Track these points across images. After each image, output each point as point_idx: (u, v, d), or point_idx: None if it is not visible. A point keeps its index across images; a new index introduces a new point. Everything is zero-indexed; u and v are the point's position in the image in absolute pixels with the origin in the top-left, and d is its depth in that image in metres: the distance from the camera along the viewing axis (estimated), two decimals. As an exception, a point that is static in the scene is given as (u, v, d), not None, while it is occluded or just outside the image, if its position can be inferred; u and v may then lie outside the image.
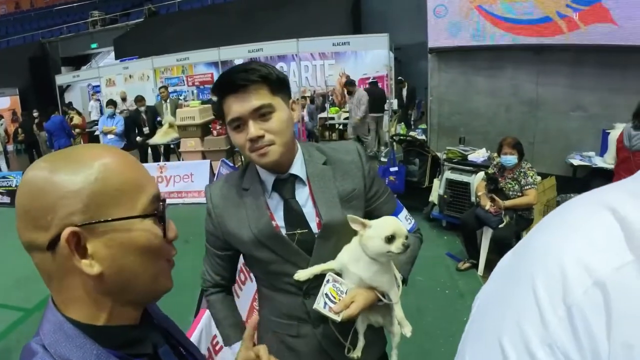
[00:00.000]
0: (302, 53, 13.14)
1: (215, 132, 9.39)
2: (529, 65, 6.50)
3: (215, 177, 7.89)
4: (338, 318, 1.40)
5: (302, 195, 1.53)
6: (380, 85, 12.01)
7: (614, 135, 5.34)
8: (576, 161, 5.83)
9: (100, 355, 0.75)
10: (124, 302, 0.81)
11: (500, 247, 4.66)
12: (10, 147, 15.88)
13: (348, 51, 12.79)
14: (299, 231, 1.50)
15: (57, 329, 0.76)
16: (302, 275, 1.47)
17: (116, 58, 18.56)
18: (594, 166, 5.65)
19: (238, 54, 13.85)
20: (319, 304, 1.41)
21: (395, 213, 1.64)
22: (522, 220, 4.68)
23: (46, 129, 11.09)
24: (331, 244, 1.50)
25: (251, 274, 4.14)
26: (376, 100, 10.86)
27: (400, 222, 1.47)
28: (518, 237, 4.87)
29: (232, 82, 1.39)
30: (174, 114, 10.02)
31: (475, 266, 4.97)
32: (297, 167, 1.52)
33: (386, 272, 1.47)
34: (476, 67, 7.06)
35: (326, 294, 1.43)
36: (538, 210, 4.96)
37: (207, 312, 2.92)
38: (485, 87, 7.04)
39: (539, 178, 4.71)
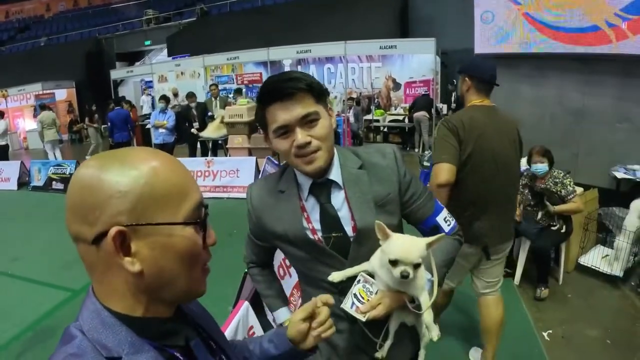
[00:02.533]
0: (350, 55, 13.22)
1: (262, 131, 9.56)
2: (575, 75, 6.40)
3: (261, 173, 8.15)
4: (363, 318, 1.43)
5: (338, 199, 1.55)
6: (426, 89, 12.01)
7: (660, 149, 5.25)
8: (620, 174, 5.70)
9: (135, 343, 0.79)
10: (158, 300, 0.84)
11: (538, 258, 4.66)
12: (65, 137, 16.45)
13: (395, 54, 12.83)
14: (334, 234, 1.53)
15: (96, 317, 0.80)
16: (335, 277, 1.52)
17: (169, 55, 19.03)
18: (638, 180, 5.53)
19: (287, 54, 14.08)
20: (347, 304, 1.46)
21: (434, 215, 1.65)
22: (563, 231, 4.64)
23: (109, 118, 11.40)
24: (366, 247, 1.52)
25: (290, 269, 4.28)
26: (422, 106, 10.94)
27: (415, 250, 1.39)
28: (557, 249, 4.86)
29: (279, 90, 1.41)
30: (223, 109, 10.26)
31: (510, 275, 4.94)
32: (334, 172, 1.55)
33: (415, 278, 1.44)
34: (521, 75, 6.99)
35: (355, 294, 1.47)
36: (578, 222, 4.90)
37: (245, 303, 3.05)
38: (530, 95, 6.96)
39: (580, 189, 4.67)
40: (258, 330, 3.10)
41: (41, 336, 4.48)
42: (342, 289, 1.53)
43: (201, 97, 12.34)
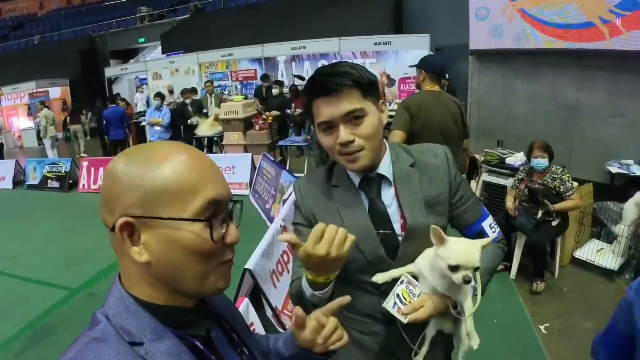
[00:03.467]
0: (344, 52, 13.23)
1: (257, 127, 9.57)
2: (569, 71, 6.44)
3: (257, 170, 8.15)
4: (405, 320, 1.38)
5: (388, 195, 1.51)
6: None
7: (653, 144, 5.30)
8: (614, 169, 5.75)
9: (157, 330, 0.82)
10: (176, 291, 0.86)
11: (534, 253, 4.70)
12: (60, 135, 16.43)
13: (389, 51, 12.82)
14: (382, 231, 1.48)
15: (121, 304, 0.83)
16: (380, 278, 1.47)
17: (163, 53, 18.94)
18: (632, 174, 5.58)
19: (281, 51, 14.07)
20: (389, 304, 1.41)
21: (480, 220, 1.61)
22: (559, 226, 4.69)
23: (105, 117, 11.39)
24: (414, 248, 1.48)
25: (289, 265, 4.30)
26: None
27: (476, 253, 1.35)
28: (552, 243, 4.90)
29: (323, 85, 1.36)
30: (218, 107, 10.28)
31: (507, 269, 4.99)
32: (385, 168, 1.51)
33: (461, 285, 1.40)
34: (517, 71, 7.03)
35: (398, 295, 1.42)
36: (573, 217, 4.94)
37: (246, 300, 3.08)
38: (525, 91, 7.01)
39: (576, 184, 4.72)
40: (258, 327, 3.12)
41: (41, 335, 4.50)
42: (383, 291, 1.48)
43: (196, 95, 12.34)
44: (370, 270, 1.49)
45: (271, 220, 6.27)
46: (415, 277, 1.47)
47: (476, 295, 1.47)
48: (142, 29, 22.32)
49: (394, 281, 1.46)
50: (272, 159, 8.27)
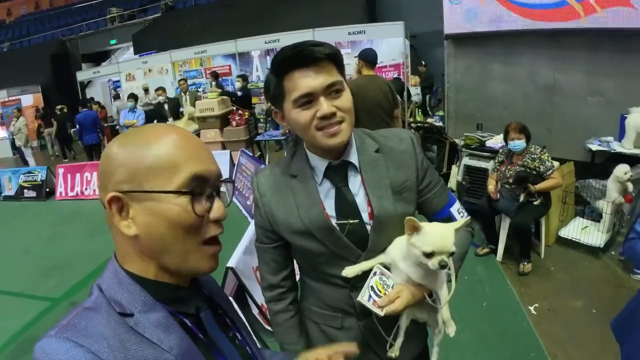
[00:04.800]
0: (319, 43, 13.16)
1: (234, 123, 9.49)
2: (545, 51, 6.45)
3: (236, 167, 8.06)
4: (381, 312, 1.35)
5: (355, 183, 1.46)
6: (397, 73, 12.01)
7: (631, 120, 5.30)
8: (595, 146, 5.77)
9: (147, 302, 0.85)
10: (163, 267, 0.89)
11: (519, 234, 4.70)
12: (34, 143, 16.16)
13: (364, 40, 12.72)
14: (350, 221, 1.43)
15: (114, 276, 0.87)
16: (350, 272, 1.42)
17: (135, 53, 18.71)
18: (612, 151, 5.60)
19: (255, 45, 13.94)
20: (364, 297, 1.36)
21: (448, 205, 1.57)
22: (542, 205, 4.69)
23: (78, 121, 11.21)
24: (384, 237, 1.44)
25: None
26: (398, 90, 10.94)
27: (449, 237, 1.33)
28: (537, 224, 4.90)
29: (303, 55, 1.29)
30: (193, 106, 10.16)
31: (493, 252, 5.00)
32: (351, 154, 1.45)
33: (436, 272, 1.39)
34: (492, 54, 7.03)
35: (372, 287, 1.38)
36: (556, 196, 4.97)
37: (230, 299, 3.02)
38: (502, 74, 7.01)
39: (556, 163, 4.72)
40: (245, 325, 3.06)
41: (25, 348, 4.35)
42: (353, 282, 1.45)
43: (171, 93, 12.19)
44: (338, 263, 1.45)
45: (252, 216, 6.19)
46: (387, 268, 1.43)
47: (450, 282, 1.44)
48: (113, 30, 22.03)
49: (364, 273, 1.42)
50: (251, 154, 8.19)
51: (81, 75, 18.77)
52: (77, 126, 11.24)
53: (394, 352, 1.48)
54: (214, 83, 11.39)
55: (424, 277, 1.39)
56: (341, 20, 13.29)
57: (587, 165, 5.85)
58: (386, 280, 1.40)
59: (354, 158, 1.45)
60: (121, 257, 0.90)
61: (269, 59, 14.06)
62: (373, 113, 4.74)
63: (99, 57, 22.88)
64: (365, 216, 1.43)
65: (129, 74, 16.30)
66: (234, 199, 7.85)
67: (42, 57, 21.21)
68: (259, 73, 14.17)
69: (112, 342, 0.77)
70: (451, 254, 1.32)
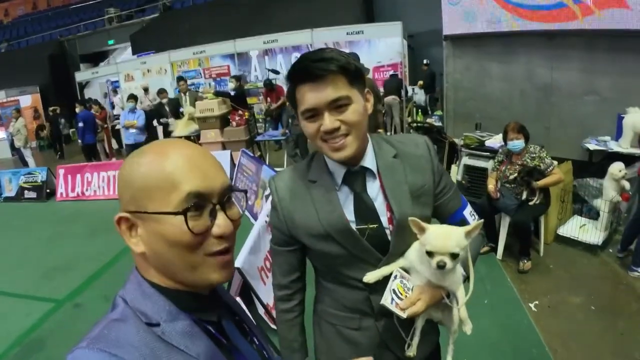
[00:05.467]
0: (317, 43, 13.14)
1: (234, 123, 9.51)
2: (543, 51, 6.50)
3: (236, 167, 8.08)
4: (404, 315, 1.38)
5: (373, 188, 1.47)
6: (395, 72, 12.06)
7: (628, 119, 5.35)
8: (592, 146, 5.82)
9: (172, 312, 0.86)
10: (177, 280, 0.90)
11: (518, 232, 4.76)
12: (33, 144, 16.16)
13: (362, 40, 12.77)
14: (370, 226, 1.44)
15: (137, 288, 0.89)
16: (371, 277, 1.44)
17: (133, 53, 18.69)
18: (609, 150, 5.64)
19: (253, 45, 13.95)
20: (387, 300, 1.39)
21: (462, 209, 1.60)
22: (541, 204, 4.74)
23: (81, 119, 11.20)
24: (405, 240, 1.46)
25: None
26: (393, 88, 10.98)
27: (453, 238, 1.35)
28: (536, 222, 4.97)
29: (308, 70, 1.31)
30: (193, 106, 10.18)
31: (494, 250, 5.06)
32: (369, 160, 1.46)
33: (453, 272, 1.42)
34: (491, 53, 7.07)
35: (393, 290, 1.40)
36: (555, 195, 5.02)
37: (237, 299, 3.07)
38: (500, 73, 7.06)
39: (555, 162, 4.78)
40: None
41: (29, 350, 4.35)
42: (372, 286, 1.46)
43: (170, 94, 12.20)
44: (358, 265, 1.47)
45: (254, 216, 6.23)
46: (407, 271, 1.46)
47: (467, 282, 1.48)
48: (111, 31, 21.99)
49: (384, 278, 1.44)
50: (251, 154, 8.22)
51: (79, 76, 18.74)
52: (81, 124, 11.18)
53: (412, 351, 1.51)
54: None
55: (442, 279, 1.41)
56: (339, 20, 13.32)
57: (585, 164, 5.89)
58: (406, 283, 1.43)
59: (371, 164, 1.47)
60: (142, 269, 0.91)
61: (267, 59, 14.10)
62: None
63: (97, 58, 22.80)
64: (384, 220, 1.45)
65: (127, 75, 16.30)
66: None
67: (40, 57, 21.16)
68: (257, 73, 14.19)
69: (144, 351, 0.79)
70: (454, 256, 1.34)
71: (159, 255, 0.87)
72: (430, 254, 1.34)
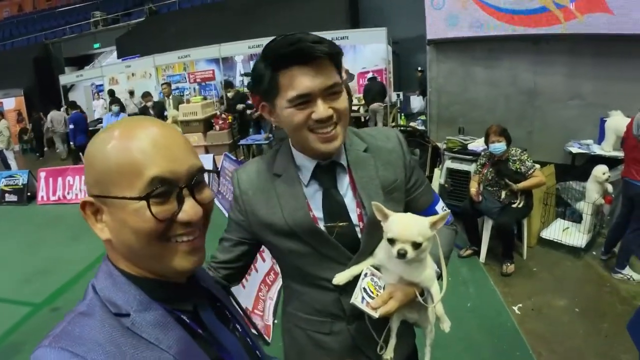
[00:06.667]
0: (302, 48, 13.20)
1: (217, 127, 9.48)
2: (526, 55, 6.53)
3: (219, 170, 8.02)
4: (376, 314, 1.29)
5: (343, 184, 1.40)
6: (379, 78, 12.07)
7: (610, 123, 5.39)
8: (575, 149, 5.85)
9: (143, 302, 0.83)
10: (146, 268, 0.86)
11: (501, 235, 4.76)
12: (16, 147, 15.99)
13: (347, 45, 12.78)
14: (339, 223, 1.37)
15: (108, 276, 0.85)
16: (341, 278, 1.36)
17: (118, 57, 18.60)
18: (592, 154, 5.68)
19: (239, 50, 13.94)
20: (357, 299, 1.30)
21: (434, 204, 1.54)
22: (524, 207, 4.75)
23: (73, 121, 11.11)
24: (376, 238, 1.38)
25: (256, 264, 4.22)
26: (376, 94, 10.96)
27: (415, 227, 1.28)
28: (519, 225, 4.97)
29: (302, 51, 1.19)
30: (176, 109, 10.13)
31: (476, 253, 5.05)
32: (340, 154, 1.39)
33: (425, 267, 1.36)
34: (474, 58, 7.09)
35: (364, 289, 1.32)
36: (538, 198, 5.04)
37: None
38: (484, 78, 7.08)
39: (537, 165, 4.79)
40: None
41: (7, 354, 4.28)
42: (343, 287, 1.38)
43: (155, 98, 12.13)
44: (327, 265, 1.39)
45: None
46: (378, 269, 1.39)
47: (440, 279, 1.41)
48: (97, 34, 21.86)
49: (354, 277, 1.37)
50: (234, 158, 8.17)
51: (64, 79, 18.57)
52: (72, 125, 11.09)
53: (388, 354, 1.43)
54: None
55: (413, 274, 1.35)
56: (324, 26, 13.30)
57: (568, 167, 5.93)
58: (377, 281, 1.36)
59: (342, 158, 1.40)
60: (112, 257, 0.88)
61: (252, 64, 14.04)
62: None
63: (82, 61, 22.60)
64: (354, 217, 1.39)
65: (112, 78, 16.21)
66: (217, 203, 7.83)
67: (24, 60, 20.98)
68: (242, 78, 14.16)
69: (109, 349, 0.75)
70: (417, 245, 1.26)
71: (124, 242, 0.83)
72: (391, 241, 1.28)
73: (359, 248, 1.39)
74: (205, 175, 0.93)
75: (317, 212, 1.38)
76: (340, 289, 1.39)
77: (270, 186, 1.41)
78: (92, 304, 0.81)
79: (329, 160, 1.37)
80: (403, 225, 1.28)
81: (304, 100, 1.23)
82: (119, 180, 0.80)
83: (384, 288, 1.35)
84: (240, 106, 10.41)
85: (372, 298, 1.32)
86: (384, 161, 1.43)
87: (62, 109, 14.65)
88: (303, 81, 1.21)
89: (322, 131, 1.26)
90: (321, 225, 1.37)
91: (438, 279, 1.43)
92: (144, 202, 0.79)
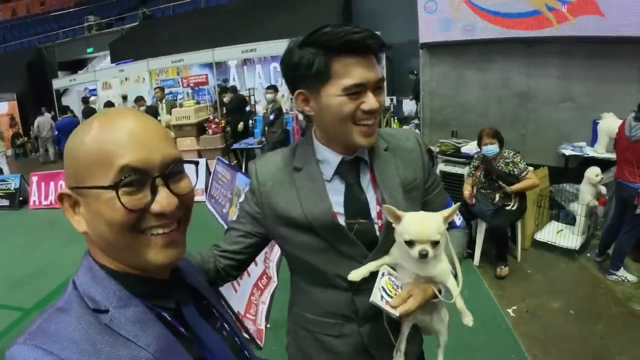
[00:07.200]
0: (296, 53, 13.20)
1: (210, 131, 9.46)
2: (519, 58, 6.54)
3: (212, 175, 7.99)
4: (396, 313, 1.26)
5: (364, 181, 1.39)
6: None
7: (603, 125, 5.40)
8: (568, 151, 5.87)
9: (123, 297, 0.81)
10: (125, 262, 0.85)
11: (495, 238, 4.75)
12: (9, 152, 15.91)
13: (340, 50, 12.84)
14: (360, 220, 1.36)
15: (88, 271, 0.84)
16: (356, 275, 1.33)
17: (112, 61, 18.52)
18: (585, 156, 5.70)
19: (232, 54, 13.93)
20: (376, 297, 1.27)
21: (448, 206, 1.48)
22: (517, 209, 4.74)
23: (58, 127, 11.10)
24: (394, 237, 1.34)
25: (248, 268, 4.19)
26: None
27: (431, 224, 1.27)
28: (513, 228, 4.96)
29: (361, 43, 1.21)
30: (169, 114, 10.11)
31: (470, 256, 5.03)
32: (363, 150, 1.38)
33: (440, 261, 1.34)
34: (467, 61, 7.10)
35: (382, 287, 1.30)
36: (532, 200, 5.04)
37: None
38: (477, 81, 7.09)
39: (530, 168, 4.79)
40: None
41: (-5, 361, 4.23)
42: (357, 287, 1.36)
43: (148, 102, 12.09)
44: (343, 262, 1.37)
45: (228, 224, 6.15)
46: (393, 268, 1.37)
47: (456, 274, 1.39)
48: (90, 39, 21.77)
49: (369, 276, 1.34)
50: (227, 162, 8.14)
51: (57, 83, 18.54)
52: (57, 133, 11.09)
53: (401, 357, 1.42)
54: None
55: (429, 269, 1.32)
56: (318, 30, 13.34)
57: (561, 170, 5.95)
58: (395, 280, 1.34)
59: (365, 155, 1.39)
60: (93, 251, 0.87)
61: (246, 69, 14.07)
62: None
63: (76, 65, 22.51)
64: (373, 215, 1.37)
65: (105, 83, 16.17)
66: (209, 206, 7.79)
67: (18, 64, 20.82)
68: (235, 83, 14.13)
69: (84, 346, 0.73)
70: (434, 243, 1.26)
71: (99, 234, 0.82)
72: (409, 243, 1.26)
73: (375, 246, 1.37)
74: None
75: (338, 208, 1.36)
76: (354, 288, 1.38)
77: (290, 179, 1.40)
78: (70, 300, 0.80)
79: (353, 155, 1.37)
80: (420, 226, 1.26)
81: (358, 90, 1.23)
82: (93, 170, 0.79)
83: (401, 287, 1.33)
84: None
85: (391, 297, 1.29)
86: (403, 160, 1.43)
87: (48, 115, 14.65)
88: (359, 71, 1.22)
89: (367, 123, 1.27)
90: (341, 220, 1.35)
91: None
92: (113, 192, 0.78)
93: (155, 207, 0.81)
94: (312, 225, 1.34)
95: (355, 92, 1.23)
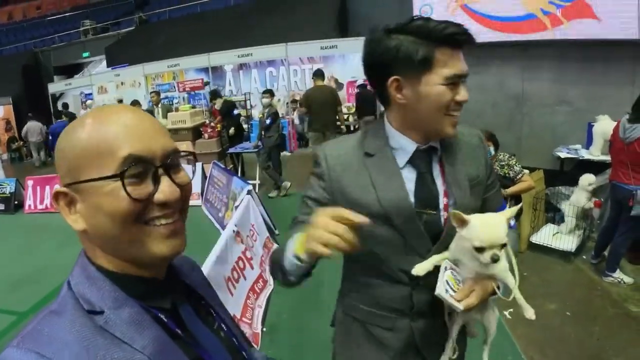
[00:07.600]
0: (291, 57, 13.21)
1: (206, 135, 9.44)
2: (514, 62, 6.58)
3: (208, 179, 7.98)
4: (460, 306, 1.27)
5: (435, 172, 1.40)
6: (368, 87, 12.02)
7: (598, 127, 5.42)
8: (563, 154, 5.89)
9: (118, 298, 0.80)
10: (124, 257, 0.83)
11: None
12: (4, 156, 15.86)
13: (336, 54, 12.85)
14: (429, 211, 1.35)
15: (82, 272, 0.82)
16: (420, 269, 1.32)
17: (108, 66, 18.50)
18: (580, 158, 5.72)
19: (228, 59, 13.97)
20: (441, 290, 1.28)
21: (503, 207, 1.53)
22: (513, 211, 4.72)
23: (51, 131, 11.08)
24: (456, 231, 1.33)
25: (245, 271, 4.18)
26: (366, 103, 10.86)
27: (499, 228, 1.25)
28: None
29: (461, 37, 1.25)
30: (165, 118, 10.08)
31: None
32: (436, 140, 1.39)
33: (500, 260, 1.30)
34: (463, 65, 7.14)
35: (446, 281, 1.30)
36: (527, 203, 5.04)
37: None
38: (472, 84, 6.95)
39: (526, 171, 4.79)
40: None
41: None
42: (416, 282, 1.37)
43: (144, 107, 12.09)
44: (406, 255, 1.36)
45: (224, 228, 6.14)
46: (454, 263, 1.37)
47: (513, 271, 1.38)
48: (86, 43, 21.71)
49: (428, 272, 1.34)
50: (223, 166, 8.12)
51: (53, 88, 18.51)
52: (50, 137, 11.07)
53: (447, 355, 1.45)
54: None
55: (489, 268, 1.30)
56: (313, 34, 13.35)
57: (556, 172, 5.97)
58: (457, 275, 1.34)
59: (438, 145, 1.40)
60: (89, 251, 0.85)
61: (242, 73, 14.09)
62: (324, 106, 7.78)
63: (72, 70, 22.46)
64: (441, 206, 1.38)
65: (101, 87, 16.19)
66: (205, 211, 7.77)
67: (13, 68, 20.73)
68: (231, 87, 14.13)
69: (78, 349, 0.72)
70: (503, 246, 1.25)
71: (99, 231, 0.80)
72: (480, 249, 1.24)
73: (438, 239, 1.37)
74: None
75: (409, 196, 1.36)
76: (413, 283, 1.38)
77: (361, 165, 1.38)
78: (64, 302, 0.78)
79: (428, 144, 1.37)
80: (489, 231, 1.25)
81: (457, 80, 1.27)
82: (92, 163, 0.77)
83: (463, 282, 1.33)
84: None
85: (454, 291, 1.30)
86: (470, 156, 1.45)
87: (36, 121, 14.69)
88: (457, 63, 1.26)
89: (456, 114, 1.31)
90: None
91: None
92: (118, 182, 0.76)
93: (160, 196, 0.81)
94: (387, 213, 1.33)
95: (453, 82, 1.26)
